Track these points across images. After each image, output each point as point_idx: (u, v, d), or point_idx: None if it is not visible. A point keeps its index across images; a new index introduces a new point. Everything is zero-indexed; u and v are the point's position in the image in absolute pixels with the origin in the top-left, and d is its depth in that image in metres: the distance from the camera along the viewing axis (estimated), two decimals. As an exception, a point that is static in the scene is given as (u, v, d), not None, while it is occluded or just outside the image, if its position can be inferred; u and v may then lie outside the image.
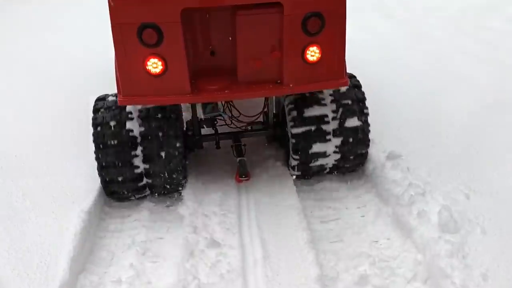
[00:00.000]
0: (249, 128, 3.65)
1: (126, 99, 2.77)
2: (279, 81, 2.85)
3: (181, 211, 3.12)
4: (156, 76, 2.69)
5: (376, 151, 3.45)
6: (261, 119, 3.67)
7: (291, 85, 2.83)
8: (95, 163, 3.10)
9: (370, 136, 3.27)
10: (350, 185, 3.40)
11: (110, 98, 3.24)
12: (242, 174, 3.28)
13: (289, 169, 3.40)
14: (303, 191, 3.34)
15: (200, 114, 3.44)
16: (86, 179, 3.32)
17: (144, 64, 2.65)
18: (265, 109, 3.54)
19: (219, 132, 3.54)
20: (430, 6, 7.71)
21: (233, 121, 3.58)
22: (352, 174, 3.46)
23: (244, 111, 3.63)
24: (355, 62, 3.83)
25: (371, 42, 6.11)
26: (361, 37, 6.19)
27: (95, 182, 3.22)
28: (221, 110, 3.42)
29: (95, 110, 3.17)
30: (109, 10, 2.54)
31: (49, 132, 4.04)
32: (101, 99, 3.28)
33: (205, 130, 3.55)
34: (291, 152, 3.23)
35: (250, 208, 3.19)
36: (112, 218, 3.21)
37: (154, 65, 2.66)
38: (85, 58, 5.76)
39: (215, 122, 3.49)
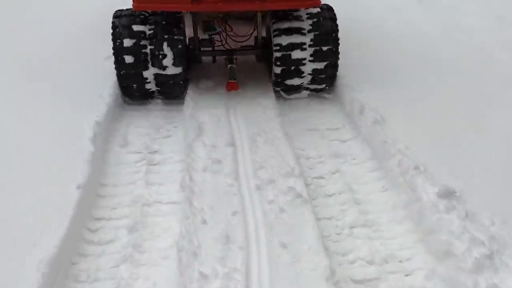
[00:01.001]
0: (241, 48, 4.21)
1: (140, 5, 3.36)
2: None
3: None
4: None
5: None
6: (252, 43, 4.21)
7: (273, 1, 3.39)
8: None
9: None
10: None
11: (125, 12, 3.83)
12: (231, 77, 3.86)
13: (272, 84, 4.02)
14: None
15: (200, 35, 4.03)
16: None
17: None
18: (255, 33, 4.10)
19: (215, 49, 4.11)
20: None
21: (227, 42, 4.16)
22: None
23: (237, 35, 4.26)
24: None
25: (400, 32, 5.30)
26: (387, 27, 5.39)
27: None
28: (218, 30, 4.00)
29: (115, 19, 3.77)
30: None
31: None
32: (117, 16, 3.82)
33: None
34: (273, 62, 3.81)
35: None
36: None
37: None
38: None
39: (213, 42, 4.07)
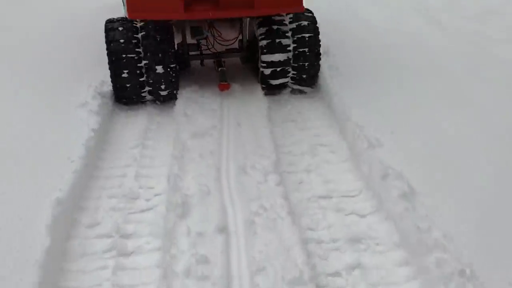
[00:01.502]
0: (227, 51, 4.43)
1: (134, 14, 3.46)
2: (248, 5, 3.50)
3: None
4: None
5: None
6: (236, 46, 4.46)
7: (259, 8, 3.51)
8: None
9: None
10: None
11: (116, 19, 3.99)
12: (223, 79, 4.04)
13: (258, 81, 4.21)
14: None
15: (189, 40, 4.21)
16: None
17: None
18: (240, 37, 4.35)
19: (203, 53, 4.35)
20: (485, 10, 6.19)
21: (214, 46, 4.35)
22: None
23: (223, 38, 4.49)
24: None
25: (416, 62, 4.65)
26: (402, 55, 4.75)
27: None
28: (206, 34, 4.17)
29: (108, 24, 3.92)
30: None
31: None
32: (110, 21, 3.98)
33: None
34: (260, 64, 4.03)
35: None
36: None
37: None
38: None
39: (200, 46, 4.29)
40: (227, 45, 4.47)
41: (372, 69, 4.48)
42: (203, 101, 4.03)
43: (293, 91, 4.31)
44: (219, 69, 4.19)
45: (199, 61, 4.45)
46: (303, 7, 3.65)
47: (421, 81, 4.26)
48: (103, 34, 3.97)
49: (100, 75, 4.28)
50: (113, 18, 4.01)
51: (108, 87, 4.13)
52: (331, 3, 6.68)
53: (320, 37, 4.19)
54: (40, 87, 4.16)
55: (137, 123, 3.92)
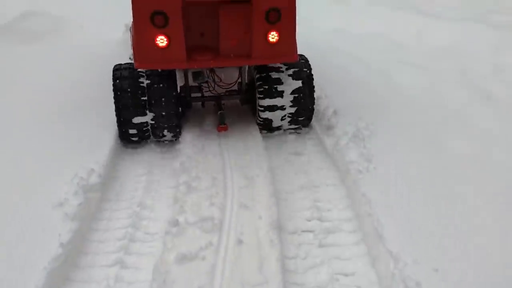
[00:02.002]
0: (227, 93, 4.73)
1: (141, 64, 3.70)
2: (246, 55, 3.82)
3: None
4: (162, 48, 3.61)
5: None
6: (235, 87, 4.78)
7: (256, 58, 3.83)
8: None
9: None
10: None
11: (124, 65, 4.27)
12: (222, 122, 4.32)
13: (256, 123, 4.48)
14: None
15: (191, 82, 4.48)
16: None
17: (154, 40, 3.57)
18: (239, 80, 4.65)
19: (204, 95, 4.65)
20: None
21: (214, 88, 4.67)
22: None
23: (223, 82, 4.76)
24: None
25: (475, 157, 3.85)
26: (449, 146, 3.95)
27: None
28: (206, 78, 4.53)
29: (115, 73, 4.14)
30: (132, 2, 3.47)
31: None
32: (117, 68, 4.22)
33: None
34: (257, 108, 4.31)
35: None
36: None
37: (161, 41, 3.59)
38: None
39: (202, 89, 4.61)
40: (227, 88, 4.77)
41: (413, 165, 3.70)
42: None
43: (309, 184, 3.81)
44: (219, 112, 4.38)
45: (201, 103, 4.73)
46: (297, 56, 3.94)
47: (477, 189, 3.44)
48: (104, 99, 4.33)
49: (91, 158, 3.73)
50: (121, 65, 4.23)
51: (96, 178, 3.55)
52: (361, 63, 6.04)
53: (351, 108, 4.36)
54: (19, 170, 3.60)
55: (119, 224, 3.31)
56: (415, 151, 3.90)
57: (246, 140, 4.27)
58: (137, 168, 4.00)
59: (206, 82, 4.57)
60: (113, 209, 3.51)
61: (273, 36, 3.73)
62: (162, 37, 3.57)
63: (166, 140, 4.26)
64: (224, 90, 4.77)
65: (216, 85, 4.68)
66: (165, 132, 4.15)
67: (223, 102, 4.63)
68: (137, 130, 4.11)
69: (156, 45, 3.59)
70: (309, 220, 3.34)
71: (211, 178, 3.64)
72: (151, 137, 4.21)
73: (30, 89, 5.13)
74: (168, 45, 3.60)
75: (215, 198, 3.39)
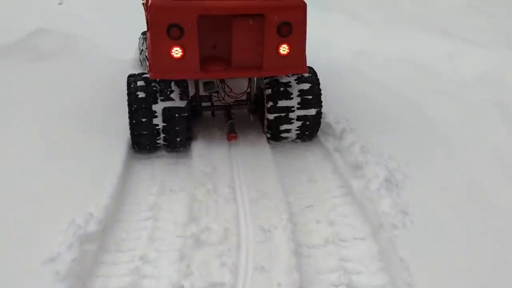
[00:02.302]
0: (236, 103, 4.86)
1: (156, 74, 3.79)
2: (258, 66, 3.90)
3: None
4: (177, 59, 3.69)
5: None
6: (244, 97, 4.90)
7: (268, 70, 3.89)
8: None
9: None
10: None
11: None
12: (232, 131, 4.43)
13: (264, 133, 4.62)
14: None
15: (201, 92, 4.54)
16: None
17: (169, 51, 3.66)
18: (248, 90, 4.75)
19: (214, 104, 4.81)
20: None
21: (224, 98, 4.81)
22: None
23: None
24: None
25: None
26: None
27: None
28: (217, 88, 4.56)
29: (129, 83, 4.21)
30: (149, 16, 3.63)
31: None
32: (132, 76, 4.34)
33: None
34: (266, 119, 4.43)
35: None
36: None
37: (176, 52, 3.67)
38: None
39: (212, 98, 4.77)
40: (236, 98, 4.88)
41: (455, 221, 3.24)
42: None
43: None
44: (229, 121, 4.53)
45: (211, 112, 4.81)
46: (306, 68, 4.03)
47: None
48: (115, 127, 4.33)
49: (91, 199, 3.34)
50: (135, 74, 4.32)
51: (94, 226, 3.14)
52: (387, 91, 5.60)
53: (380, 144, 4.17)
54: (13, 209, 3.21)
55: (117, 282, 2.88)
56: (456, 202, 3.43)
57: (258, 172, 3.97)
58: (141, 211, 3.59)
59: (216, 92, 4.69)
60: (112, 263, 3.09)
61: (284, 49, 3.81)
62: (177, 48, 3.65)
63: (178, 147, 4.29)
64: (233, 100, 4.88)
65: (226, 95, 4.81)
66: (177, 138, 4.20)
67: (232, 111, 4.75)
68: (149, 133, 4.11)
69: (171, 56, 3.67)
70: (336, 286, 2.88)
71: (223, 230, 3.22)
72: (162, 143, 4.24)
73: (33, 111, 4.76)
74: (182, 56, 3.68)
75: (226, 257, 2.95)
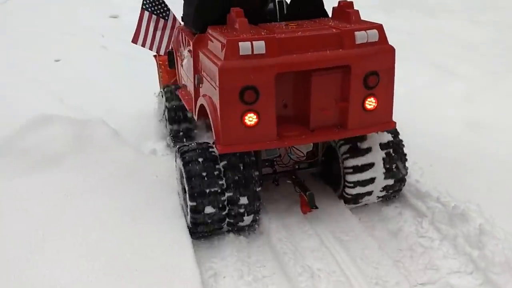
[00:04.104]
0: (298, 166, 4.20)
1: (225, 147, 3.32)
2: (340, 125, 3.50)
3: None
4: (251, 127, 3.24)
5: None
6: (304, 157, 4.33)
7: (353, 129, 3.47)
8: None
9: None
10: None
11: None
12: (312, 205, 3.72)
13: (338, 195, 4.05)
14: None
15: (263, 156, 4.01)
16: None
17: (242, 118, 3.21)
18: (313, 149, 4.20)
19: (277, 171, 4.13)
20: None
21: (289, 162, 4.11)
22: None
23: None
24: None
25: None
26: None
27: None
28: (279, 153, 4.02)
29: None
30: (219, 78, 3.14)
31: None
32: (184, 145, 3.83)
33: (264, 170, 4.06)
34: (345, 191, 3.90)
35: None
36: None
37: (250, 119, 3.22)
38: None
39: (274, 164, 4.09)
40: (299, 160, 4.21)
41: None
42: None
43: None
44: (307, 193, 3.77)
45: (272, 180, 4.13)
46: (394, 123, 3.63)
47: None
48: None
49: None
50: (186, 145, 3.72)
51: None
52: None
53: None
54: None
55: None
56: None
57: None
58: None
59: (279, 156, 4.05)
60: None
61: (370, 103, 3.43)
62: (251, 114, 3.23)
63: (244, 226, 3.70)
64: (293, 162, 4.20)
65: (291, 159, 4.13)
66: (244, 216, 3.60)
67: (303, 179, 4.07)
68: (213, 208, 3.52)
69: (244, 124, 3.25)
70: None
71: None
72: (226, 223, 3.63)
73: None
74: (257, 123, 3.26)
75: None
